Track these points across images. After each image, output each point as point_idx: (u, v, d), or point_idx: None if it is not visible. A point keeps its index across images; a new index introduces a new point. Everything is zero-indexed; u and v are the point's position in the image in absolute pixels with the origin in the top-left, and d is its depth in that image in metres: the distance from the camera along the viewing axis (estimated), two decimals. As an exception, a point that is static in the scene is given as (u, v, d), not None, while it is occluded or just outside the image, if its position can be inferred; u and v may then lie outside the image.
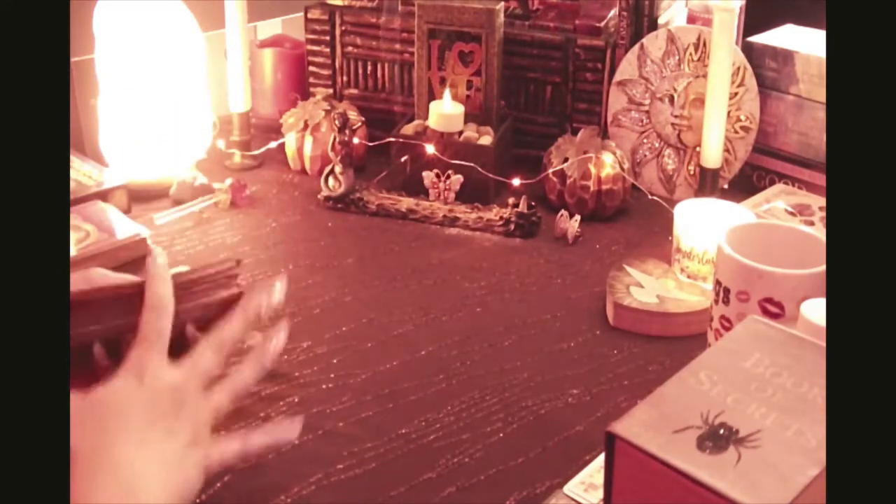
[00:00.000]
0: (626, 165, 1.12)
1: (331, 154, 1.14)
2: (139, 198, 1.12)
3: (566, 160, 1.10)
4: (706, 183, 1.11)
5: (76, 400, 0.57)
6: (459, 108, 1.15)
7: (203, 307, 0.67)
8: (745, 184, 1.18)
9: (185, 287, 0.66)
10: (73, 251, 0.95)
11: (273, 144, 1.23)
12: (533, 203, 1.09)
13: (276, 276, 0.69)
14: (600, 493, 0.64)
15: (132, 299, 0.63)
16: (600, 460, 0.70)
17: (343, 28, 1.27)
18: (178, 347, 0.64)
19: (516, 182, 1.13)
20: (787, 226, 0.83)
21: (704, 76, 1.11)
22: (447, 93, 1.16)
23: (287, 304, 0.92)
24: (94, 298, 0.64)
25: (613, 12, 1.20)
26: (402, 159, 1.14)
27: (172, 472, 0.58)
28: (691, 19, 1.26)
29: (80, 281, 0.66)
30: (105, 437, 0.56)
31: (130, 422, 0.57)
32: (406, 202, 1.12)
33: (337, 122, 1.11)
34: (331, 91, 1.29)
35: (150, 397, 0.59)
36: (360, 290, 0.96)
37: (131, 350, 0.61)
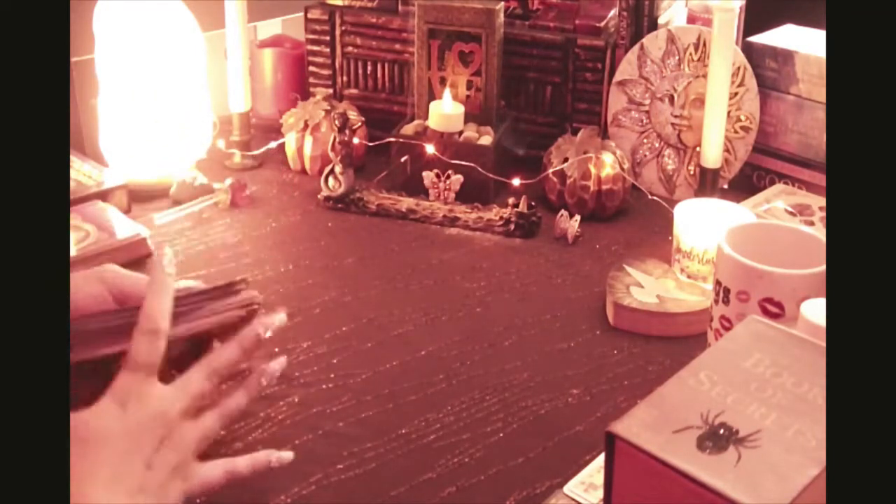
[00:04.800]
0: (626, 165, 1.12)
1: (331, 154, 1.14)
2: (139, 198, 1.12)
3: (566, 160, 1.10)
4: (706, 183, 1.11)
5: None
6: (459, 108, 1.15)
7: (200, 329, 0.65)
8: (745, 184, 1.18)
9: (186, 302, 0.64)
10: (73, 251, 0.95)
11: (273, 144, 1.23)
12: (533, 203, 1.09)
13: (278, 309, 0.68)
14: (600, 493, 0.64)
15: (126, 318, 0.61)
16: (600, 460, 0.70)
17: (343, 28, 1.27)
18: (176, 364, 0.63)
19: (516, 182, 1.13)
20: (787, 226, 0.83)
21: (704, 76, 1.11)
22: (447, 93, 1.16)
23: (287, 304, 0.92)
24: (88, 326, 0.62)
25: (613, 12, 1.20)
26: (402, 159, 1.14)
27: None
28: (691, 19, 1.26)
29: (93, 279, 0.65)
30: (76, 469, 0.55)
31: (106, 455, 0.56)
32: (406, 202, 1.12)
33: (337, 122, 1.11)
34: (331, 91, 1.29)
35: (130, 428, 0.58)
36: (360, 290, 0.96)
37: (119, 373, 0.59)
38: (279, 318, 0.67)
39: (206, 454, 0.63)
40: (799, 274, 0.71)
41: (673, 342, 0.88)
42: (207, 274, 0.97)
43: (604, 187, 1.10)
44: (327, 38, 1.28)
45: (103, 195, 1.07)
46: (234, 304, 0.66)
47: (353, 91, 1.30)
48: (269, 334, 0.66)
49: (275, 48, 1.34)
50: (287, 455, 0.67)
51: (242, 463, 0.65)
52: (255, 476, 0.65)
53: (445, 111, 1.15)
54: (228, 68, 1.23)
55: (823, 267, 0.70)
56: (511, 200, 1.09)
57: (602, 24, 1.19)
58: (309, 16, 1.29)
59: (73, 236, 0.97)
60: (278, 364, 0.68)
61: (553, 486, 0.69)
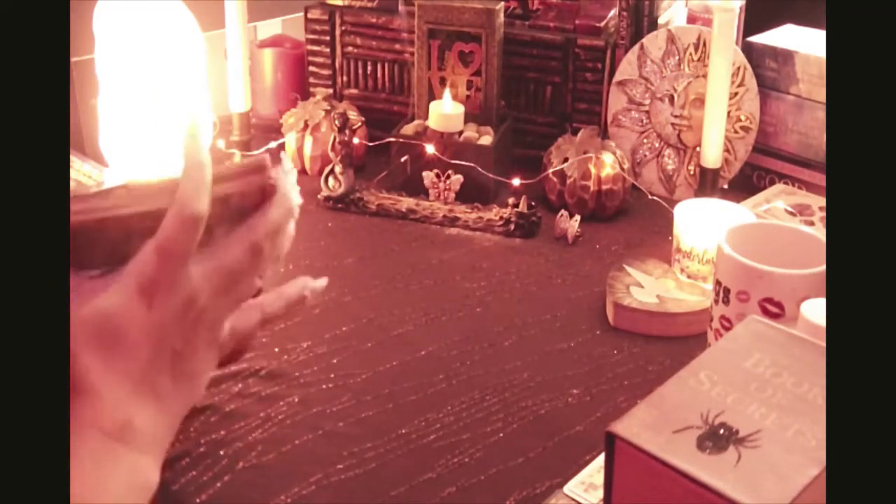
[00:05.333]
0: (626, 165, 1.12)
1: (331, 154, 1.14)
2: (139, 198, 1.12)
3: (566, 160, 1.10)
4: (706, 183, 1.11)
5: (76, 302, 0.50)
6: (459, 108, 1.15)
7: (224, 201, 0.55)
8: (745, 184, 1.18)
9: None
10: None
11: (273, 144, 1.23)
12: (533, 203, 1.09)
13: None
14: (600, 493, 0.64)
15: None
16: (600, 460, 0.70)
17: (343, 28, 1.27)
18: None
19: (516, 182, 1.13)
20: (787, 226, 0.83)
21: (704, 76, 1.11)
22: (447, 93, 1.16)
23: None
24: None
25: (613, 12, 1.20)
26: (402, 159, 1.14)
27: (174, 403, 0.53)
28: (691, 19, 1.26)
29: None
30: (98, 377, 0.50)
31: (132, 360, 0.51)
32: (406, 202, 1.12)
33: (337, 122, 1.11)
34: (331, 91, 1.29)
35: (156, 322, 0.51)
36: (360, 290, 0.96)
37: (142, 256, 0.51)
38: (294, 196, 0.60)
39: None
40: (799, 274, 0.71)
41: (673, 342, 0.88)
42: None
43: (604, 187, 1.10)
44: (327, 38, 1.28)
45: (103, 195, 1.07)
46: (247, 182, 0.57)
47: (353, 91, 1.30)
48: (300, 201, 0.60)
49: (275, 48, 1.34)
50: (321, 282, 0.62)
51: (274, 303, 0.59)
52: (291, 312, 0.60)
53: (445, 111, 1.15)
54: (228, 68, 1.23)
55: (823, 267, 0.70)
56: (511, 200, 1.09)
57: (602, 24, 1.19)
58: (309, 16, 1.29)
59: (73, 236, 0.97)
60: (322, 281, 0.62)
61: (553, 486, 0.69)
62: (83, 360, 0.51)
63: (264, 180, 0.57)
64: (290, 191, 0.59)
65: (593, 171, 1.09)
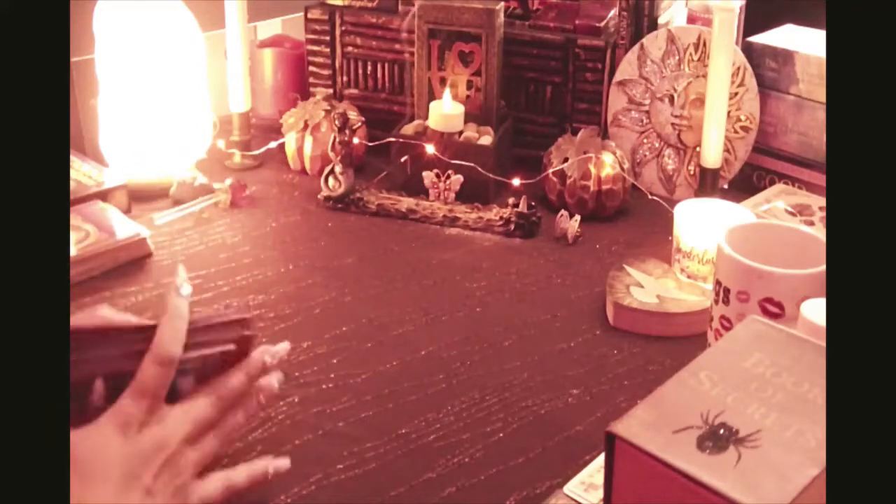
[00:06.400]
0: (626, 165, 1.12)
1: (331, 154, 1.14)
2: (139, 198, 1.12)
3: (566, 160, 1.10)
4: (706, 183, 1.11)
5: None
6: (459, 108, 1.15)
7: (204, 358, 0.63)
8: (745, 184, 1.18)
9: (191, 334, 0.62)
10: (73, 251, 0.95)
11: (273, 144, 1.23)
12: (533, 203, 1.09)
13: (280, 341, 0.70)
14: (600, 493, 0.64)
15: (139, 340, 0.60)
16: (600, 460, 0.70)
17: (343, 28, 1.27)
18: (171, 396, 0.61)
19: (516, 182, 1.13)
20: (787, 226, 0.83)
21: (704, 76, 1.11)
22: (447, 93, 1.16)
23: (287, 304, 0.93)
24: (100, 332, 0.61)
25: (613, 12, 1.20)
26: (402, 159, 1.14)
27: None
28: (691, 19, 1.26)
29: (85, 318, 0.64)
30: (73, 497, 0.54)
31: (103, 482, 0.56)
32: (406, 202, 1.12)
33: (337, 122, 1.11)
34: (331, 91, 1.29)
35: (130, 455, 0.57)
36: (360, 290, 0.96)
37: (122, 397, 0.59)
38: (283, 346, 0.68)
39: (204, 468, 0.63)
40: (799, 274, 0.71)
41: (673, 342, 0.88)
42: (207, 274, 0.97)
43: (604, 187, 1.10)
44: (327, 38, 1.28)
45: (103, 195, 1.07)
46: (227, 338, 0.64)
47: (353, 91, 1.30)
48: (273, 361, 0.67)
49: (275, 48, 1.34)
50: (284, 462, 0.67)
51: (240, 475, 0.64)
52: (253, 486, 0.65)
53: (445, 111, 1.15)
54: (228, 68, 1.23)
55: (823, 267, 0.70)
56: (511, 200, 1.09)
57: (602, 24, 1.19)
58: (309, 16, 1.29)
59: (73, 236, 0.97)
60: (276, 379, 0.67)
61: (553, 486, 0.69)
62: None
63: (242, 335, 0.64)
64: (267, 352, 0.67)
65: (593, 171, 1.09)
